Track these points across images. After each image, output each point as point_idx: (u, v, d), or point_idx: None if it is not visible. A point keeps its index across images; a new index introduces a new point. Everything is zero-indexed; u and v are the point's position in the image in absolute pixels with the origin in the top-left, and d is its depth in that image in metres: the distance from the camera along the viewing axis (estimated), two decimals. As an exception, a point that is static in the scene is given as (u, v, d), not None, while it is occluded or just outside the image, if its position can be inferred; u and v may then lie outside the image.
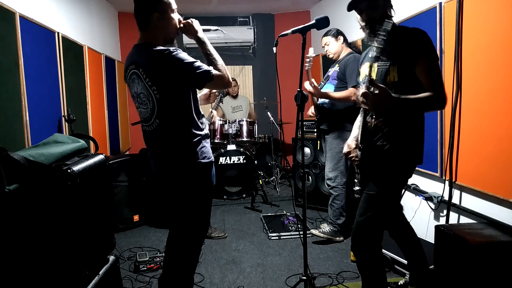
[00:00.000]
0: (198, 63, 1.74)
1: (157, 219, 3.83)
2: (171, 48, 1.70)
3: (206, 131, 1.91)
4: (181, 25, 1.87)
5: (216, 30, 2.11)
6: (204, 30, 1.92)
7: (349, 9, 1.88)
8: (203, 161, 1.85)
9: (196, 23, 1.88)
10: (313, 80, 2.94)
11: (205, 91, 2.30)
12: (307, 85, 2.96)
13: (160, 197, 3.78)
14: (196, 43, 1.88)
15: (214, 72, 1.76)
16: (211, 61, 1.83)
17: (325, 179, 3.31)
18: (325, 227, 3.27)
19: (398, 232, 2.18)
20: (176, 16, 1.84)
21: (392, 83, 1.78)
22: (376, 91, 1.66)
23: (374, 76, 1.78)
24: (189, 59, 1.73)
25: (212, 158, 1.92)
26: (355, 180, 1.97)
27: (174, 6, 1.82)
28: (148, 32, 1.79)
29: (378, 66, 1.80)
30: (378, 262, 1.92)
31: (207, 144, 1.90)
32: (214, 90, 2.30)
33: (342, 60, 3.14)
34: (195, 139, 1.84)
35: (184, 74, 1.71)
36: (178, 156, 1.84)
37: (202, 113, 1.94)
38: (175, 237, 1.99)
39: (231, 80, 1.87)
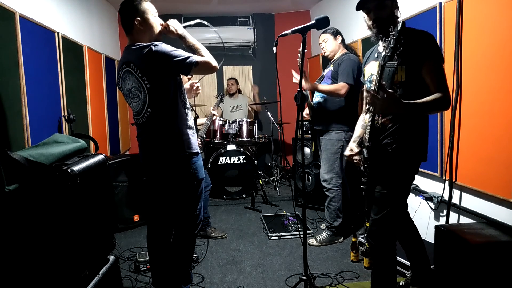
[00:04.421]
0: (179, 52, 1.90)
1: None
2: (155, 43, 1.89)
3: (191, 122, 2.07)
4: (161, 27, 2.04)
5: (196, 23, 2.25)
6: (185, 27, 2.10)
7: (358, 8, 1.91)
8: (188, 151, 2.01)
9: (173, 23, 2.05)
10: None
11: (188, 84, 2.50)
12: (294, 79, 2.98)
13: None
14: (179, 39, 2.06)
15: (197, 58, 1.93)
16: (195, 51, 2.00)
17: (320, 180, 3.31)
18: (322, 235, 3.26)
19: (403, 230, 2.19)
20: (157, 20, 2.02)
21: (399, 83, 1.83)
22: (385, 95, 1.69)
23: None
24: (170, 49, 1.89)
25: (198, 150, 2.06)
26: (362, 179, 2.00)
27: (153, 11, 2.00)
28: (133, 35, 1.99)
29: (385, 65, 1.81)
30: (392, 261, 1.96)
31: (192, 136, 2.05)
32: (197, 84, 2.53)
33: (337, 60, 3.15)
34: (181, 130, 1.99)
35: (167, 63, 1.87)
36: (164, 145, 1.98)
37: (188, 105, 2.10)
38: (161, 232, 2.08)
39: (217, 65, 2.02)
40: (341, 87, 2.98)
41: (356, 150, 2.03)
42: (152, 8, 2.01)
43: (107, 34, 4.86)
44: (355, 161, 2.02)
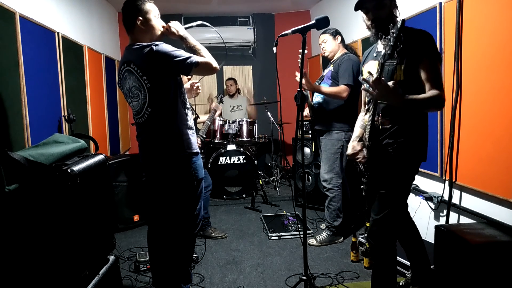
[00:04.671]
0: (179, 52, 1.91)
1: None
2: (155, 42, 1.90)
3: (191, 122, 2.09)
4: (163, 28, 2.06)
5: (198, 25, 2.25)
6: (186, 28, 2.12)
7: (356, 8, 1.91)
8: (188, 151, 2.02)
9: (175, 24, 2.06)
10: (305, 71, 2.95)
11: (188, 84, 2.52)
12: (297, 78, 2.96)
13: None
14: (180, 40, 2.07)
15: (198, 58, 1.94)
16: (195, 52, 2.01)
17: (320, 180, 3.31)
18: (322, 235, 3.26)
19: (403, 230, 2.19)
20: (159, 22, 2.04)
21: (398, 82, 1.82)
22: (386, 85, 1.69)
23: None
24: (171, 49, 1.90)
25: (197, 150, 2.08)
26: (362, 179, 2.00)
27: (155, 12, 2.02)
28: (134, 34, 2.00)
29: (385, 64, 1.81)
30: (392, 261, 1.96)
31: (192, 136, 2.07)
32: (197, 84, 2.53)
33: (336, 60, 3.15)
34: (181, 130, 2.00)
35: (168, 63, 1.88)
36: (164, 145, 1.99)
37: (188, 105, 2.11)
38: (161, 232, 2.08)
39: (217, 66, 2.02)
40: (343, 90, 2.97)
41: (358, 148, 1.99)
42: (154, 9, 2.02)
43: (107, 34, 4.86)
44: (357, 159, 1.99)
